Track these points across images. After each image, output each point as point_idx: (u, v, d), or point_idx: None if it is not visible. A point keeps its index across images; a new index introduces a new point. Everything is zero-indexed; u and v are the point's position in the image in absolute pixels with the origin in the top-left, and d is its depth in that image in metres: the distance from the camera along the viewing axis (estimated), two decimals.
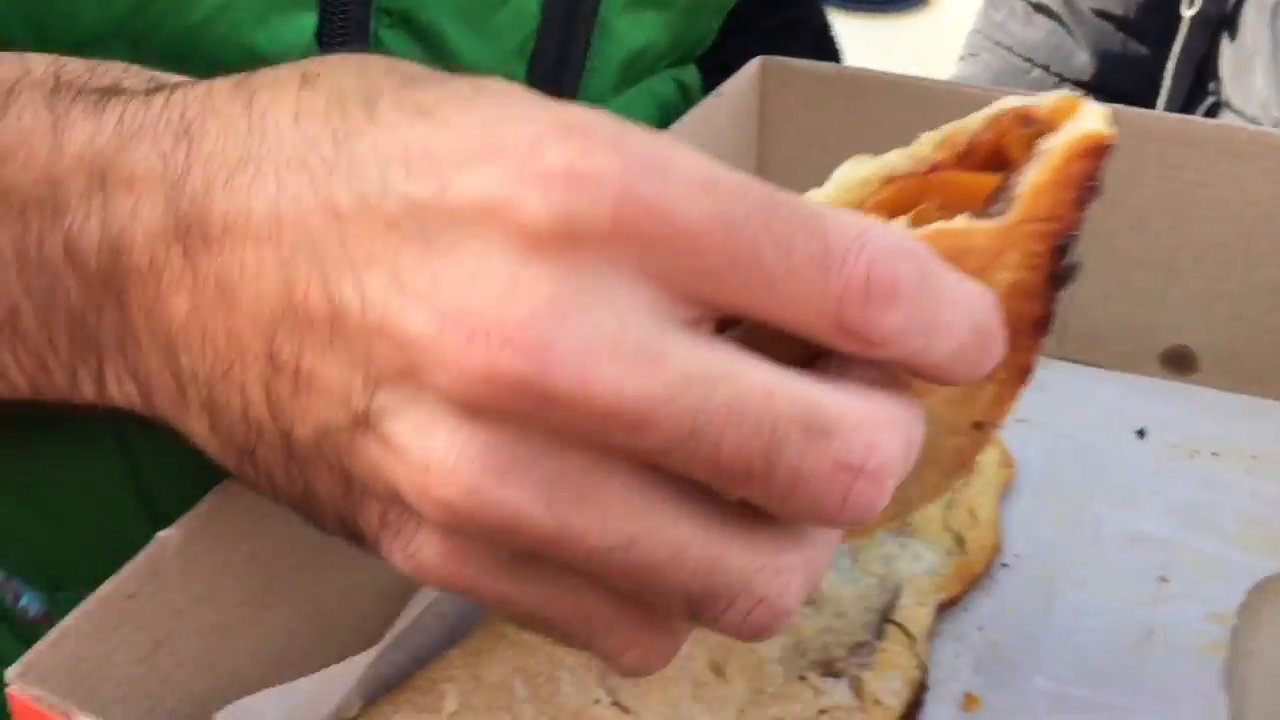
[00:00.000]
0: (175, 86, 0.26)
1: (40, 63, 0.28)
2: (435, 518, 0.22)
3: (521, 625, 0.25)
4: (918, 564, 0.39)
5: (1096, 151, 0.26)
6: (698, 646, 0.35)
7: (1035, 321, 0.28)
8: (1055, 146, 0.26)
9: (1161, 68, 1.03)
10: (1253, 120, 0.97)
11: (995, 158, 0.28)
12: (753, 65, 0.51)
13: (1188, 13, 1.01)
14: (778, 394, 0.22)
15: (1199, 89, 1.03)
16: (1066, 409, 0.47)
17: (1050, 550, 0.41)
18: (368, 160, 0.23)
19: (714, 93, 0.49)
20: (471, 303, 0.21)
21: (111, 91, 0.27)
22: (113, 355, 0.26)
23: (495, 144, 0.22)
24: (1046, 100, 0.27)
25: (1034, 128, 0.27)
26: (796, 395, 0.22)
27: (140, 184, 0.25)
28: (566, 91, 0.44)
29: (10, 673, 0.25)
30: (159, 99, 0.26)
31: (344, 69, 0.25)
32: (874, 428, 0.22)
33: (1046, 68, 1.08)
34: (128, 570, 0.27)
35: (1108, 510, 0.42)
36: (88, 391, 0.27)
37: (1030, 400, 0.47)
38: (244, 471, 0.26)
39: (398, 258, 0.22)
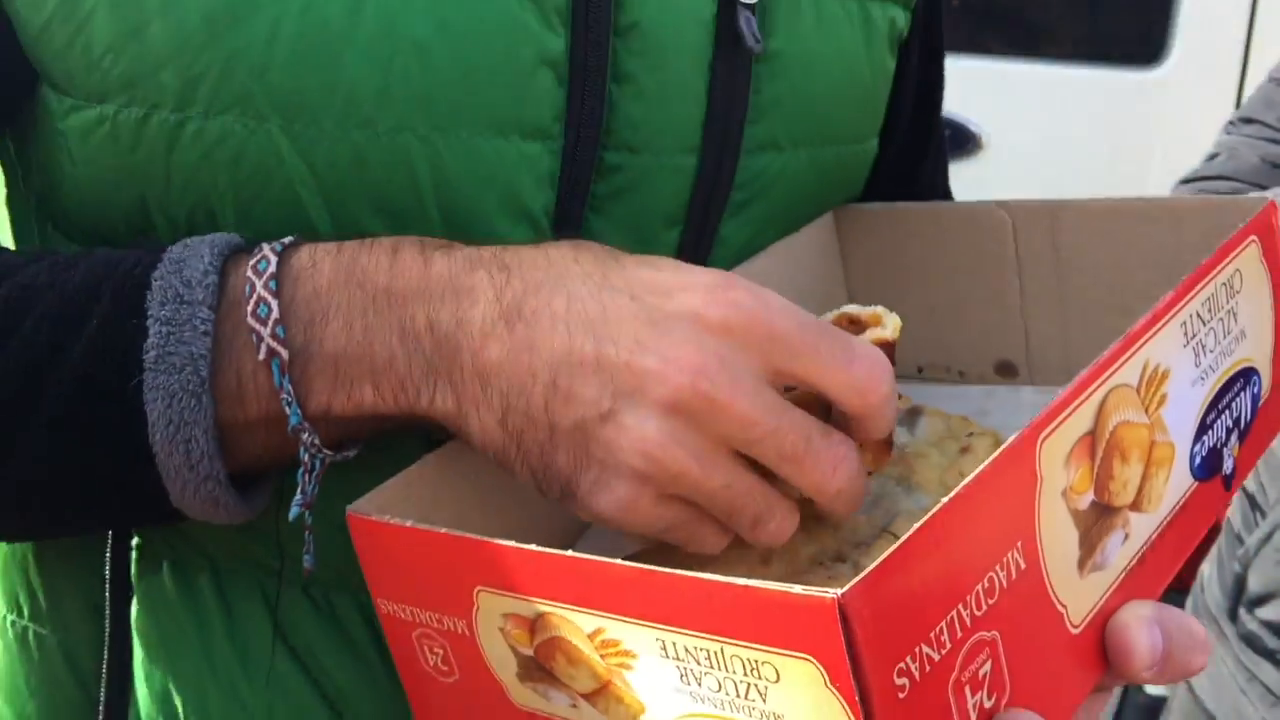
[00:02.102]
0: (495, 246, 0.49)
1: (410, 237, 0.51)
2: (639, 468, 0.46)
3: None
4: (917, 504, 0.58)
5: (884, 347, 0.49)
6: (753, 549, 0.56)
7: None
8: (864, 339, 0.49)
9: None
10: None
11: None
12: (827, 215, 0.74)
13: None
14: (811, 424, 0.47)
15: None
16: None
17: None
18: (622, 285, 0.47)
19: (794, 234, 0.71)
20: (680, 354, 0.45)
21: (453, 246, 0.50)
22: (443, 381, 0.47)
23: (692, 282, 0.47)
24: (867, 310, 0.50)
25: (857, 325, 0.49)
26: (820, 428, 0.47)
27: (478, 292, 0.47)
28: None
29: (351, 506, 0.49)
30: (486, 251, 0.49)
31: (594, 245, 0.50)
32: (848, 449, 0.47)
33: None
34: (413, 472, 0.52)
35: None
36: (424, 404, 0.48)
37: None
38: (507, 450, 0.48)
39: (638, 331, 0.46)
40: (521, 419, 0.47)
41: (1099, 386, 0.46)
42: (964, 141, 2.15)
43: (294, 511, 0.51)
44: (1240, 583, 1.17)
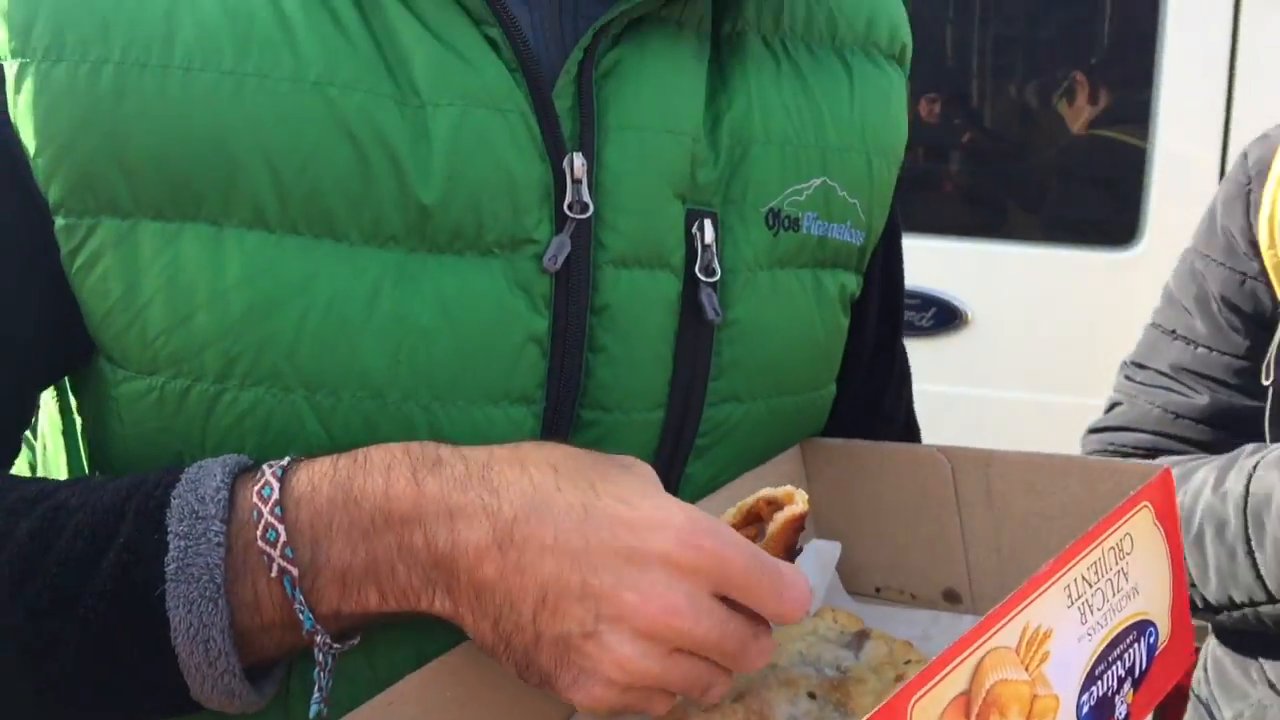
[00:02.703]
0: (479, 461, 0.57)
1: (398, 446, 0.58)
2: (615, 678, 0.55)
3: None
4: None
5: (796, 521, 0.58)
6: None
7: None
8: (779, 518, 0.57)
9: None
10: None
11: (756, 516, 0.59)
12: (794, 448, 0.82)
13: (1266, 383, 1.10)
14: (746, 629, 0.56)
15: None
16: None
17: None
18: (602, 522, 0.56)
19: (764, 465, 0.79)
20: (655, 592, 0.55)
21: (440, 462, 0.58)
22: (441, 589, 0.56)
23: (663, 521, 0.56)
24: (781, 490, 0.58)
25: (774, 505, 0.57)
26: (752, 630, 0.56)
27: (471, 513, 0.55)
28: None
29: None
30: (473, 467, 0.57)
31: (569, 457, 0.58)
32: (768, 643, 0.57)
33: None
34: (394, 691, 0.59)
35: None
36: (423, 605, 0.56)
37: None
38: (496, 647, 0.57)
39: (619, 567, 0.55)
40: (511, 626, 0.56)
41: (973, 651, 0.53)
42: (951, 318, 2.25)
43: (314, 709, 0.58)
44: None
